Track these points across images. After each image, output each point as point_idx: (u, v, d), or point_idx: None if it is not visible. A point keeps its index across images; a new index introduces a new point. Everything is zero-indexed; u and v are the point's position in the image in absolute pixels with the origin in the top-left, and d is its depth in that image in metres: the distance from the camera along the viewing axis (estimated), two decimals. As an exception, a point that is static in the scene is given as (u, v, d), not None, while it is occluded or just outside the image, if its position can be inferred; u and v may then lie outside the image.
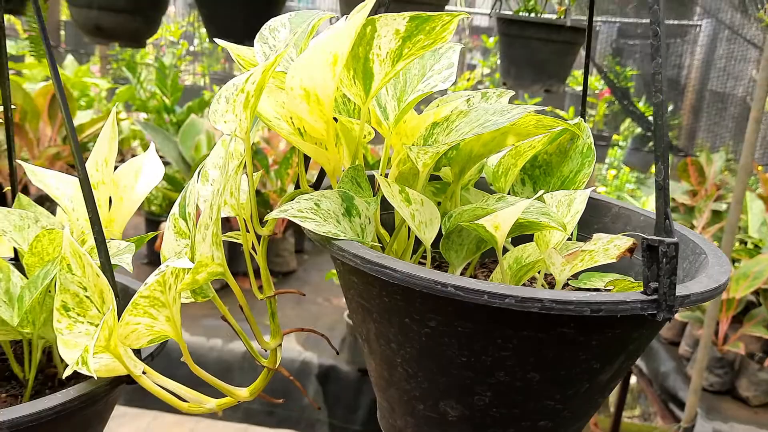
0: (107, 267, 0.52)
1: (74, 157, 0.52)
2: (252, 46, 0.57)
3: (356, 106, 0.55)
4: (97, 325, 0.52)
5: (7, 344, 0.62)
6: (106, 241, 0.53)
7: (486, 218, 0.44)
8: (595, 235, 0.47)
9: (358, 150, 0.53)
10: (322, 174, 0.57)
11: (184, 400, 0.53)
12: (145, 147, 3.36)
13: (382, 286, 0.46)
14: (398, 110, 0.55)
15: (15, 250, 0.70)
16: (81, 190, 0.64)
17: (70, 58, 3.60)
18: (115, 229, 0.66)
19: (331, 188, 0.54)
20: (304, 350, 2.18)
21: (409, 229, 0.56)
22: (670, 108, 4.97)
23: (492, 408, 0.47)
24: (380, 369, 0.52)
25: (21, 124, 2.47)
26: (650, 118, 4.82)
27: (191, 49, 6.28)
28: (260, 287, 0.53)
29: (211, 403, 0.53)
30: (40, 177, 0.70)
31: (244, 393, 0.53)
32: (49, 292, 0.59)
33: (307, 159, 0.56)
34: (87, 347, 0.46)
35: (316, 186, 0.57)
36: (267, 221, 0.52)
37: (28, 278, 0.62)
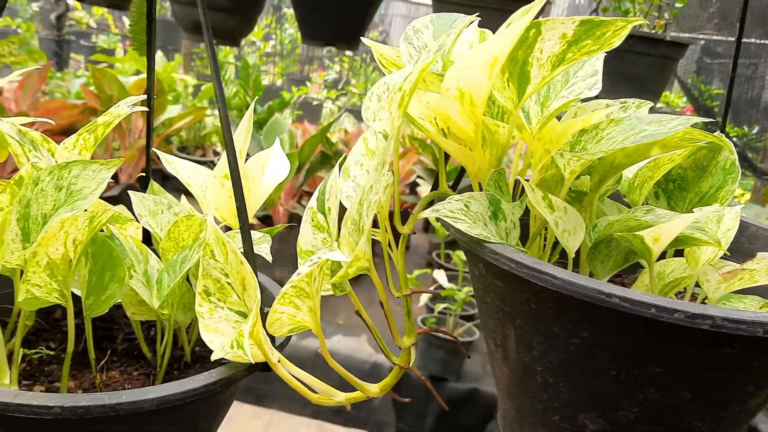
0: (250, 255, 0.53)
1: (226, 148, 0.53)
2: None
3: (500, 109, 0.55)
4: (236, 311, 0.54)
5: (137, 324, 0.65)
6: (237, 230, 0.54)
7: (648, 230, 0.43)
8: (758, 254, 0.46)
9: (502, 154, 0.53)
10: (460, 175, 0.57)
11: (314, 392, 0.54)
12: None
13: (532, 292, 0.45)
14: (542, 116, 0.54)
15: (144, 233, 0.73)
16: (212, 182, 0.66)
17: (159, 54, 3.72)
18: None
19: (470, 190, 0.54)
20: (375, 353, 2.18)
21: (545, 237, 0.56)
22: (755, 130, 4.79)
23: (636, 424, 0.46)
24: (514, 376, 0.51)
25: (115, 115, 2.56)
26: (735, 138, 4.65)
27: (268, 50, 6.41)
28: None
29: (340, 396, 0.54)
30: (174, 165, 0.72)
31: (374, 389, 0.53)
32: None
33: (446, 158, 0.56)
34: (242, 332, 0.47)
35: (454, 187, 0.57)
36: (408, 220, 0.52)
37: (163, 261, 0.64)
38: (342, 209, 0.55)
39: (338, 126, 3.30)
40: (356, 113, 4.71)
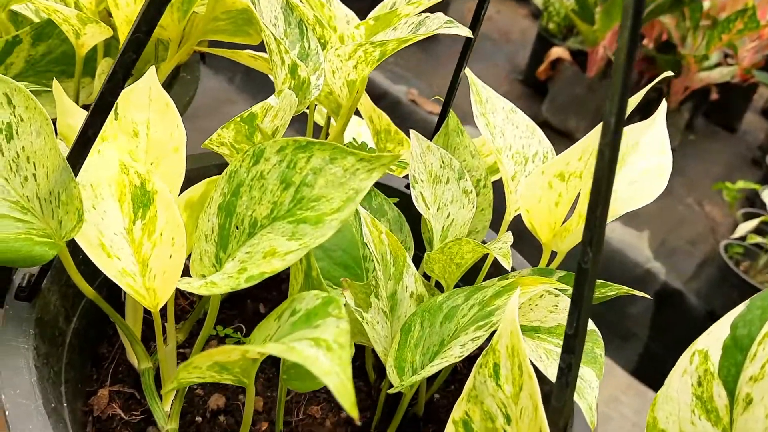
0: (568, 396, 0.28)
1: (604, 130, 0.26)
2: None
3: None
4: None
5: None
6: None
7: None
8: None
9: None
10: None
11: None
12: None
13: None
14: None
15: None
16: (535, 178, 0.40)
17: None
18: (567, 243, 0.41)
19: None
20: (653, 259, 1.86)
21: None
22: None
23: None
24: None
25: None
26: None
27: None
28: None
29: None
30: (489, 106, 0.46)
31: None
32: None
33: None
34: None
35: None
36: None
37: (421, 275, 0.42)
38: None
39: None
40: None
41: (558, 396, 0.28)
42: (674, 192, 2.21)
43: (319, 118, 0.63)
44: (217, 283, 0.30)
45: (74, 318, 0.40)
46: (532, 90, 2.40)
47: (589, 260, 0.25)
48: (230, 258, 0.32)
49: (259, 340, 0.31)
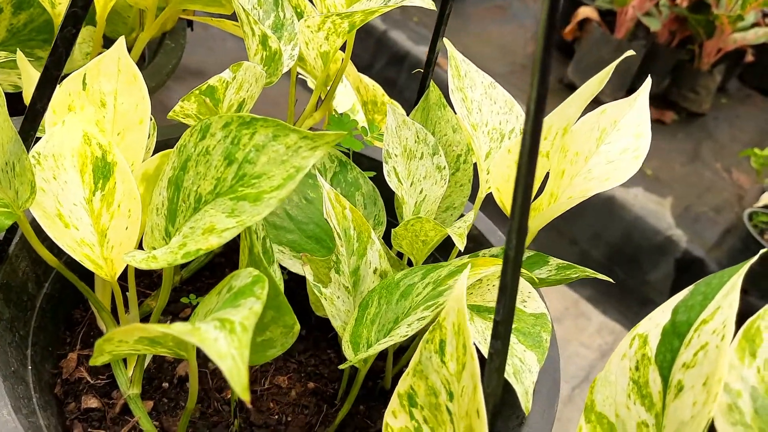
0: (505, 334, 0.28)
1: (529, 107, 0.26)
2: None
3: None
4: (443, 462, 0.31)
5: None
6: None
7: None
8: None
9: None
10: None
11: None
12: None
13: None
14: None
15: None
16: (501, 155, 0.39)
17: None
18: (536, 222, 0.41)
19: None
20: (674, 226, 1.83)
21: None
22: None
23: None
24: None
25: None
26: None
27: None
28: None
29: None
30: (465, 82, 0.45)
31: None
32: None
33: None
34: None
35: None
36: None
37: (386, 254, 0.42)
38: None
39: None
40: None
41: (487, 381, 0.28)
42: (702, 157, 2.16)
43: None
44: (157, 257, 0.30)
45: (46, 283, 0.41)
46: (558, 51, 2.34)
47: (513, 247, 0.25)
48: (177, 232, 0.32)
49: (202, 313, 0.31)
